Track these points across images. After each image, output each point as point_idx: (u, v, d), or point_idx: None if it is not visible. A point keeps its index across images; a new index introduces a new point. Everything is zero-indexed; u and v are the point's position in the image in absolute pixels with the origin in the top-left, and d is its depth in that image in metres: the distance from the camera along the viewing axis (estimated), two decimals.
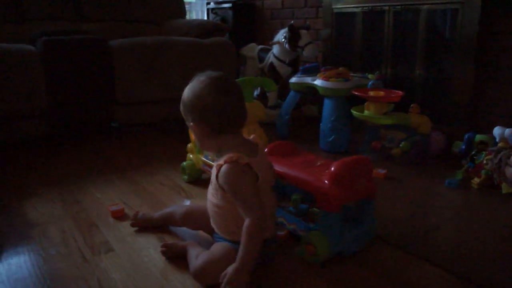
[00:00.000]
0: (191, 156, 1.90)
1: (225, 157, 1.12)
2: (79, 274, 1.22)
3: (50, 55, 2.31)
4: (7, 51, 2.21)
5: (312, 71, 2.55)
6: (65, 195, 1.77)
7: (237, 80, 1.68)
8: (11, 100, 2.21)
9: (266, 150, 1.47)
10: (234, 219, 1.16)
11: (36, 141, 2.47)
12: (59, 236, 1.44)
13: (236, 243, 1.14)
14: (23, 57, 2.24)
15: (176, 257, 1.29)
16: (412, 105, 2.13)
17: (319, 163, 1.39)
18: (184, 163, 1.91)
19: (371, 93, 2.14)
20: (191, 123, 1.17)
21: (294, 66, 2.87)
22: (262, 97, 3.15)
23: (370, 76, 2.43)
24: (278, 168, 1.40)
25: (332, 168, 1.24)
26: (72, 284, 1.18)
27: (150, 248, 1.36)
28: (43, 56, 2.29)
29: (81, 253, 1.33)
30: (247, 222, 1.08)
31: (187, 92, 1.17)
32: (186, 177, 1.90)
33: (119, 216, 1.58)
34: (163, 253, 1.31)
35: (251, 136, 1.27)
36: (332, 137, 2.27)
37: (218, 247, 1.19)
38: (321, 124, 2.34)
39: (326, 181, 1.24)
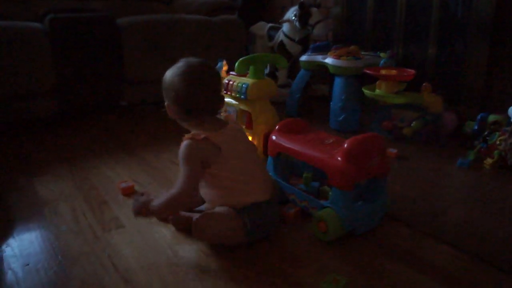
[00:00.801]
0: None
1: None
2: (90, 250, 1.23)
3: (58, 33, 2.29)
4: (14, 29, 2.19)
5: (323, 49, 2.52)
6: (75, 173, 1.77)
7: (248, 56, 1.67)
8: (19, 79, 2.20)
9: (277, 127, 1.47)
10: (212, 189, 1.25)
11: (45, 120, 2.47)
12: (69, 213, 1.44)
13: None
14: (30, 35, 2.22)
15: (187, 230, 1.29)
16: (424, 84, 2.09)
17: (331, 141, 1.37)
18: None
19: (383, 72, 2.11)
20: (166, 103, 1.25)
21: (304, 44, 2.83)
22: (272, 76, 3.12)
23: (382, 54, 2.39)
24: (289, 145, 1.39)
25: (345, 145, 1.23)
26: (84, 260, 1.18)
27: (160, 224, 1.36)
28: (50, 34, 2.28)
29: (92, 230, 1.34)
30: (173, 190, 1.18)
31: (166, 75, 1.24)
32: None
33: (129, 193, 1.58)
34: (174, 223, 1.32)
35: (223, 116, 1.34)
36: (343, 116, 2.25)
37: (217, 208, 1.23)
38: (331, 103, 2.32)
39: (339, 158, 1.23)
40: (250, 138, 1.65)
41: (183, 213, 1.33)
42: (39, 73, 2.25)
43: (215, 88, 1.24)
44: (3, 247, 1.25)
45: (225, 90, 1.75)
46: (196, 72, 1.21)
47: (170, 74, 1.23)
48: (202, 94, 1.20)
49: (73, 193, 1.59)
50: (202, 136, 1.18)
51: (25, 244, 1.26)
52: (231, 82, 1.71)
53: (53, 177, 1.73)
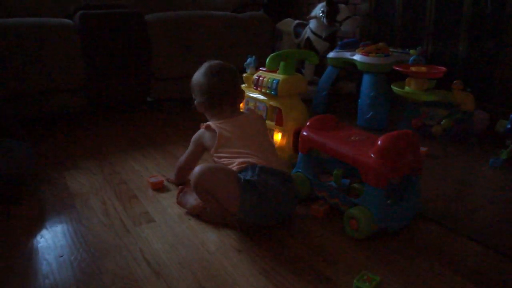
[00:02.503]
0: None
1: None
2: (122, 243, 1.24)
3: (87, 28, 2.32)
4: (45, 25, 2.22)
5: (351, 46, 2.49)
6: (104, 167, 1.79)
7: (279, 52, 1.66)
8: (49, 74, 2.23)
9: (308, 123, 1.46)
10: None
11: (74, 115, 2.50)
12: (100, 206, 1.46)
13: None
14: (61, 31, 2.25)
15: (214, 222, 1.33)
16: (455, 81, 2.06)
17: (363, 137, 1.35)
18: None
19: (413, 69, 2.08)
20: (195, 101, 1.48)
21: (331, 41, 2.80)
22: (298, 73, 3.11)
23: (411, 51, 2.36)
24: (321, 141, 1.39)
25: (379, 142, 1.21)
26: (115, 253, 1.19)
27: (191, 219, 1.37)
28: (80, 29, 2.30)
29: (123, 223, 1.35)
30: (177, 162, 1.58)
31: (193, 76, 1.48)
32: None
33: (159, 187, 1.59)
34: (200, 213, 1.36)
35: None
36: (371, 113, 2.23)
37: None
38: (359, 100, 2.30)
39: (372, 155, 1.21)
40: (279, 134, 1.65)
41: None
42: (69, 69, 2.28)
43: (232, 82, 1.44)
44: (38, 238, 1.27)
45: (255, 86, 1.74)
46: (215, 70, 1.43)
47: (196, 74, 1.47)
48: (221, 87, 1.41)
49: (103, 187, 1.61)
50: (206, 124, 1.42)
51: (58, 236, 1.28)
52: (261, 78, 1.71)
53: (84, 171, 1.75)
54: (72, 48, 2.27)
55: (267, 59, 1.63)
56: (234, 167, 1.30)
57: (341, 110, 2.65)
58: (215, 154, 1.38)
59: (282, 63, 1.67)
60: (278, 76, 1.66)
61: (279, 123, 1.65)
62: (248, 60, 1.94)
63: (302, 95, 1.76)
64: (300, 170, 1.49)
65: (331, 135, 1.40)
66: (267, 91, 1.67)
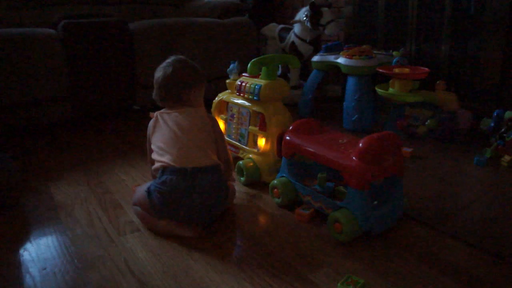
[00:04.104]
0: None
1: None
2: (106, 254, 1.23)
3: (71, 38, 2.31)
4: (28, 35, 2.21)
5: (335, 49, 2.50)
6: (89, 177, 1.78)
7: (260, 57, 1.66)
8: (33, 85, 2.22)
9: (291, 128, 1.46)
10: None
11: (59, 125, 2.49)
12: (85, 217, 1.45)
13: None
14: (44, 41, 2.23)
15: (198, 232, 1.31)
16: (438, 82, 2.07)
17: (345, 140, 1.36)
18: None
19: (396, 70, 2.09)
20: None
21: (316, 45, 2.82)
22: (284, 77, 3.11)
23: (394, 53, 2.37)
24: (303, 146, 1.39)
25: (360, 144, 1.21)
26: (100, 264, 1.18)
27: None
28: (64, 39, 2.29)
29: (107, 234, 1.34)
30: None
31: None
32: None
33: None
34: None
35: None
36: (356, 116, 2.24)
37: None
38: (344, 103, 2.30)
39: (354, 158, 1.22)
40: (263, 139, 1.65)
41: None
42: (53, 78, 2.27)
43: (176, 76, 1.42)
44: (21, 251, 1.25)
45: (237, 91, 1.74)
46: (164, 64, 1.45)
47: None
48: (164, 79, 1.43)
49: (88, 197, 1.60)
50: (154, 114, 1.46)
51: (42, 249, 1.26)
52: (243, 84, 1.71)
53: (68, 181, 1.74)
54: (56, 58, 2.26)
55: (249, 65, 1.63)
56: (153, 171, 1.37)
57: (327, 114, 2.65)
58: (152, 146, 1.40)
59: (264, 68, 1.67)
60: (260, 81, 1.65)
61: (263, 128, 1.65)
62: (231, 66, 1.94)
63: (286, 100, 1.76)
64: (284, 175, 1.49)
65: (314, 138, 1.40)
66: (250, 96, 1.67)
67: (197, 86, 1.45)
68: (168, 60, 1.46)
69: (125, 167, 1.88)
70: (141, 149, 2.09)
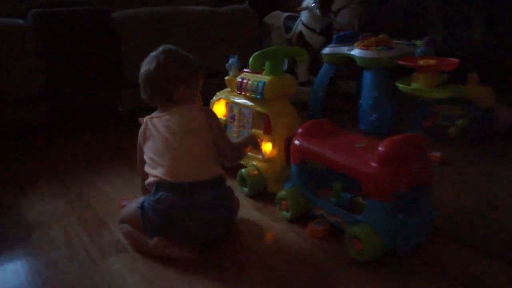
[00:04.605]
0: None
1: None
2: (87, 280, 1.21)
3: (44, 29, 2.30)
4: None
5: (348, 40, 2.48)
6: (68, 190, 1.77)
7: (263, 50, 1.66)
8: (2, 83, 2.21)
9: (300, 130, 1.46)
10: None
11: (33, 130, 2.48)
12: (62, 237, 1.43)
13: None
14: (12, 33, 2.23)
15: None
16: (470, 74, 2.05)
17: (363, 144, 1.34)
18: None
19: (421, 62, 2.07)
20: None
21: (327, 35, 2.81)
22: (290, 73, 3.10)
23: (418, 42, 2.36)
24: (315, 150, 1.38)
25: (380, 148, 1.20)
26: None
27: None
28: (36, 31, 2.28)
29: (89, 256, 1.32)
30: None
31: None
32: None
33: None
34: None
35: None
36: (374, 115, 2.22)
37: None
38: (360, 101, 2.29)
39: (373, 164, 1.20)
40: (269, 144, 1.64)
41: None
42: (25, 75, 2.26)
43: (169, 75, 1.41)
44: None
45: (238, 89, 1.73)
46: (149, 58, 1.45)
47: None
48: (147, 74, 1.42)
49: (66, 213, 1.59)
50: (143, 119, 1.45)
51: (9, 276, 1.25)
52: (245, 81, 1.70)
53: (43, 195, 1.73)
54: (28, 53, 2.26)
55: (251, 59, 1.62)
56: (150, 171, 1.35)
57: (341, 113, 2.64)
58: (144, 157, 1.39)
59: (267, 63, 1.66)
60: (264, 78, 1.64)
61: (268, 131, 1.63)
62: (230, 60, 1.93)
63: (294, 98, 1.74)
64: (293, 184, 1.47)
65: (327, 142, 1.39)
66: (252, 95, 1.65)
67: (191, 81, 1.44)
68: (153, 53, 1.46)
69: (109, 178, 1.87)
70: (128, 156, 2.08)
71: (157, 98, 1.44)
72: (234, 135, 1.82)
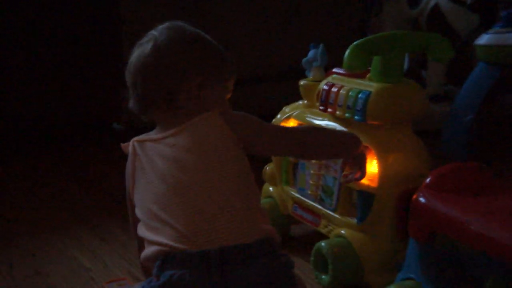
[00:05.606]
0: (271, 189, 1.88)
1: None
2: None
3: None
4: None
5: None
6: (16, 262, 1.81)
7: (368, 38, 1.68)
8: None
9: (428, 179, 1.46)
10: None
11: None
12: None
13: None
14: None
15: None
16: None
17: None
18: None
19: None
20: None
21: (484, 12, 2.79)
22: (415, 78, 3.10)
23: None
24: (458, 217, 1.36)
25: None
26: None
27: None
28: None
29: None
30: None
31: None
32: None
33: None
34: None
35: None
36: None
37: None
38: None
39: None
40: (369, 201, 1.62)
41: None
42: None
43: (173, 65, 1.39)
44: None
45: (321, 104, 1.73)
46: (146, 44, 1.43)
47: None
48: (147, 75, 1.40)
49: None
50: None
51: None
52: (334, 89, 1.70)
53: None
54: None
55: (347, 52, 1.63)
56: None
57: (506, 150, 2.60)
58: (136, 211, 1.37)
59: (375, 59, 1.67)
60: (369, 85, 1.65)
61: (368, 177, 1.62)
62: (311, 53, 1.93)
63: (418, 123, 1.72)
64: (412, 276, 1.46)
65: (482, 204, 1.37)
66: (346, 114, 1.66)
67: (212, 75, 1.43)
68: (153, 31, 1.46)
69: (90, 242, 1.91)
70: (120, 206, 2.11)
71: (153, 104, 1.41)
72: (310, 182, 1.83)
